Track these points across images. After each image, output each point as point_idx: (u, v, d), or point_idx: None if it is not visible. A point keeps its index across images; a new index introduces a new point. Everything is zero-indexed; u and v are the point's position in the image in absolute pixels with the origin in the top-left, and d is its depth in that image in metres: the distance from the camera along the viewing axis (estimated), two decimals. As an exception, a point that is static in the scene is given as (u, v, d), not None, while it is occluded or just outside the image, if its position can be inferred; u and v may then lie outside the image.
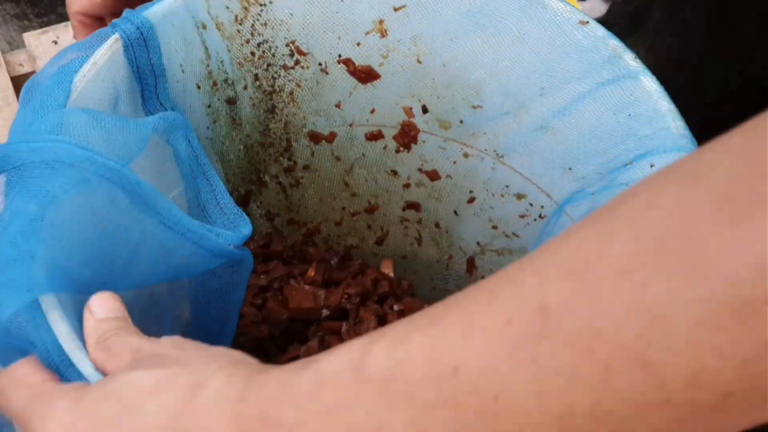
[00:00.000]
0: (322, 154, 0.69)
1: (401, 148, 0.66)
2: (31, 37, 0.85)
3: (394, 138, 0.66)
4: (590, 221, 0.26)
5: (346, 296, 0.67)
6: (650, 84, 0.51)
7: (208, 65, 0.62)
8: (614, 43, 0.52)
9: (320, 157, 0.70)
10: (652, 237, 0.24)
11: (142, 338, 0.37)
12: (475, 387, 0.25)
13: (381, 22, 0.60)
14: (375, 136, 0.66)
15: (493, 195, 0.64)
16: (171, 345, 0.35)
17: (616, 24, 0.73)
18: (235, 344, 0.60)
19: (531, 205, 0.62)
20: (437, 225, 0.70)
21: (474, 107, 0.61)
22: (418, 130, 0.65)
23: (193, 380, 0.31)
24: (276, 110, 0.67)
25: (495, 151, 0.62)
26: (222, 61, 0.64)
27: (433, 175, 0.66)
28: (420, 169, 0.67)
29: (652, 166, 0.49)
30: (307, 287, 0.68)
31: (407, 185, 0.68)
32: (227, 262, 0.50)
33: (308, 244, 0.75)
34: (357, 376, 0.27)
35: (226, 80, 0.65)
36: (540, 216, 0.61)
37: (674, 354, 0.23)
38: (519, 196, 0.62)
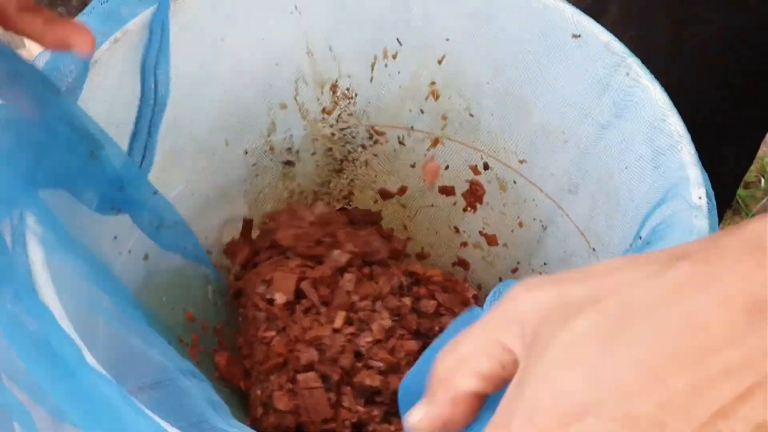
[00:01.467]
0: (388, 202, 0.72)
1: (468, 208, 0.69)
2: (31, 37, 0.83)
3: (464, 195, 0.68)
4: None
5: None
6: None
7: (269, 136, 0.64)
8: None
9: (383, 205, 0.72)
10: None
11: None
12: None
13: (433, 83, 0.63)
14: (448, 191, 0.69)
15: (533, 270, 0.67)
16: None
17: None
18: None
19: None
20: (479, 287, 0.72)
21: (520, 162, 0.64)
22: (484, 191, 0.67)
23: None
24: (344, 172, 0.69)
25: (541, 221, 0.65)
26: (291, 135, 0.66)
27: (492, 240, 0.69)
28: (481, 232, 0.69)
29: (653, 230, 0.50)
30: None
31: (464, 244, 0.71)
32: None
33: None
34: None
35: (289, 149, 0.67)
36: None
37: None
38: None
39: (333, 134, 0.65)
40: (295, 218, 0.65)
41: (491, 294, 0.42)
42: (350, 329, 0.59)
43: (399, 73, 0.62)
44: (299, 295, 0.60)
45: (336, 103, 0.63)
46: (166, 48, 0.51)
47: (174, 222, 0.55)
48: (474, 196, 0.68)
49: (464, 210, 0.69)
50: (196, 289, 0.63)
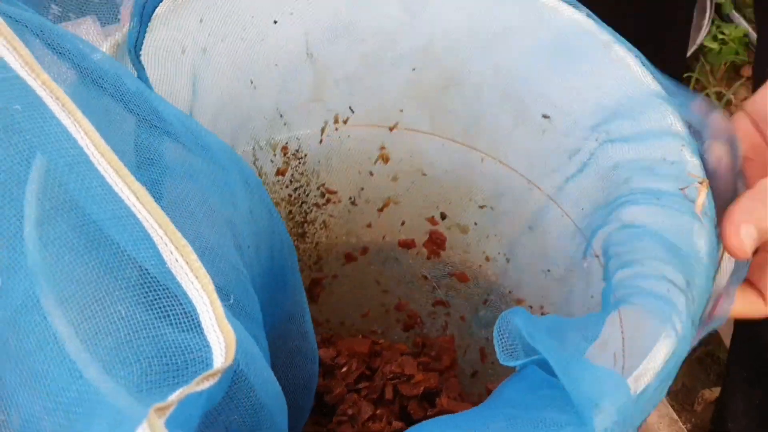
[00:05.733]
0: (354, 264, 0.73)
1: (431, 255, 0.70)
2: (30, 39, 0.85)
3: (425, 245, 0.70)
4: None
5: None
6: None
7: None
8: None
9: (352, 267, 0.73)
10: None
11: None
12: None
13: (382, 147, 0.65)
14: (408, 244, 0.71)
15: (501, 299, 0.69)
16: None
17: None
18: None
19: (530, 307, 0.67)
20: (462, 318, 0.74)
21: (481, 207, 0.66)
22: (445, 238, 0.69)
23: None
24: (307, 235, 0.71)
25: (505, 254, 0.67)
26: (254, 203, 0.67)
27: (462, 277, 0.71)
28: (450, 274, 0.71)
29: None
30: None
31: (437, 287, 0.72)
32: None
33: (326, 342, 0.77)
34: None
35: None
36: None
37: None
38: (518, 301, 0.67)
39: (290, 195, 0.67)
40: None
41: (497, 328, 0.45)
42: None
43: (349, 137, 0.64)
44: None
45: (287, 163, 0.65)
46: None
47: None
48: (435, 244, 0.70)
49: (428, 258, 0.71)
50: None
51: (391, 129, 0.63)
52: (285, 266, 0.51)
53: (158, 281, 0.36)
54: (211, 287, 0.35)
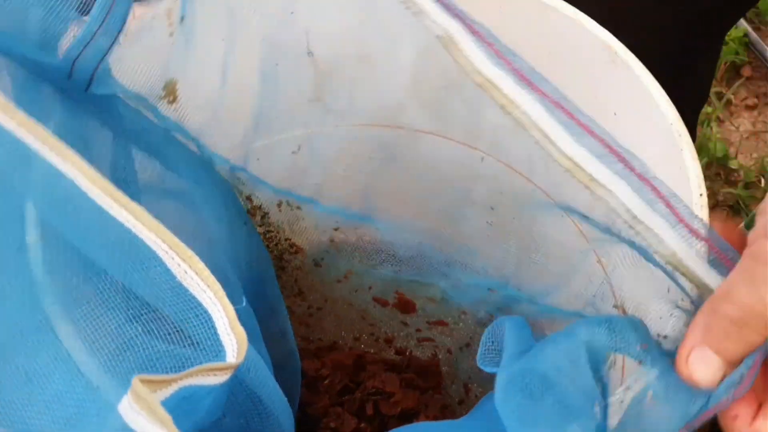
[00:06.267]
0: (336, 303, 0.74)
1: (405, 312, 0.72)
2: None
3: (395, 306, 0.72)
4: None
5: None
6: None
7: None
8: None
9: (333, 304, 0.74)
10: None
11: None
12: None
13: (332, 240, 0.68)
14: (381, 302, 0.72)
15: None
16: None
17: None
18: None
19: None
20: (449, 351, 0.75)
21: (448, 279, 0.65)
22: (414, 303, 0.71)
23: None
24: (286, 270, 0.71)
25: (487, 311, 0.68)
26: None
27: (441, 323, 0.72)
28: (428, 322, 0.72)
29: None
30: None
31: (419, 329, 0.74)
32: None
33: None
34: None
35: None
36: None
37: None
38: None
39: (264, 234, 0.67)
40: None
41: (485, 335, 0.46)
42: None
43: (303, 219, 0.66)
44: None
45: (256, 210, 0.66)
46: None
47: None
48: (405, 307, 0.71)
49: (402, 312, 0.72)
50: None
51: (335, 229, 0.66)
52: (264, 279, 0.51)
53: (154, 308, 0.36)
54: (222, 293, 0.36)
